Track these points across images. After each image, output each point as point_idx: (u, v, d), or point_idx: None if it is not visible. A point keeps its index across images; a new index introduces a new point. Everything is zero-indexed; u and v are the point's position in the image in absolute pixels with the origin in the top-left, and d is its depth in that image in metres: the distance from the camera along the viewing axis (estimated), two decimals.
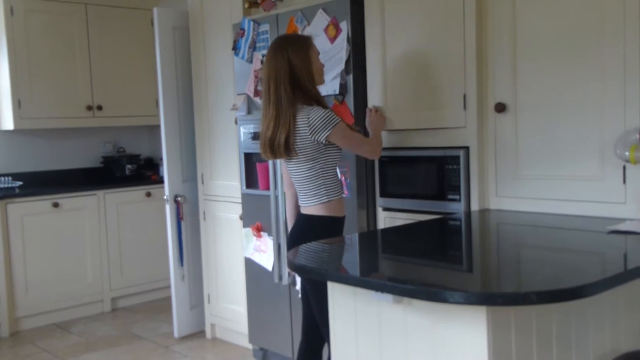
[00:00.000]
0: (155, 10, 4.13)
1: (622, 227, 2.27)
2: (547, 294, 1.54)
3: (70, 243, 4.91)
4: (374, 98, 3.11)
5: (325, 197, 2.64)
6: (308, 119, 2.55)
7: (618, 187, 2.43)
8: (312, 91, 2.61)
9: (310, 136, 2.56)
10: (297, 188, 2.73)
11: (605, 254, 2.08)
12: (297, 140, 2.57)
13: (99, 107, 5.24)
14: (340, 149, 2.69)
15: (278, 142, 2.57)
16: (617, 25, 2.37)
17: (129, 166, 5.48)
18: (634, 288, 2.16)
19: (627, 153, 2.31)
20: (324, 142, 2.58)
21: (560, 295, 1.55)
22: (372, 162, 3.17)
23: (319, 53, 2.70)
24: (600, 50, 2.41)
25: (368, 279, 1.84)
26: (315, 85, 2.64)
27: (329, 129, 2.55)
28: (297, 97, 2.58)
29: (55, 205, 4.83)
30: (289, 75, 2.57)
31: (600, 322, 2.05)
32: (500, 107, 2.67)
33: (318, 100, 2.63)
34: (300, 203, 2.72)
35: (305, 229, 2.66)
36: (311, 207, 2.66)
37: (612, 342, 2.09)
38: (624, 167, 2.41)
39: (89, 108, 5.20)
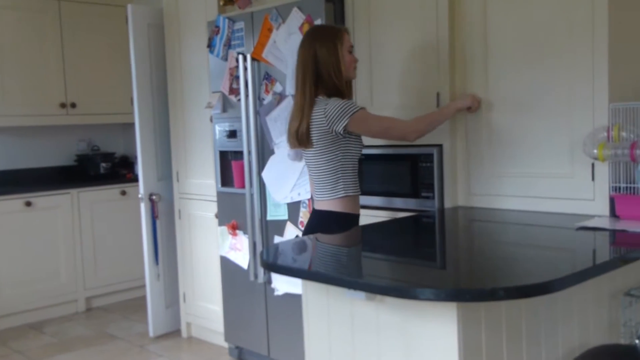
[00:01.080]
0: (129, 7, 4.10)
1: (590, 223, 2.31)
2: (515, 290, 1.56)
3: (43, 242, 4.85)
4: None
5: (342, 192, 2.59)
6: (325, 111, 2.52)
7: (587, 185, 2.47)
8: (336, 84, 2.57)
9: (327, 127, 2.52)
10: (313, 181, 2.68)
11: (574, 250, 2.12)
12: (314, 131, 2.55)
13: (73, 105, 5.19)
14: (361, 142, 2.63)
15: (301, 131, 2.57)
16: (586, 27, 2.41)
17: (103, 164, 5.43)
18: (602, 283, 2.20)
19: (595, 151, 2.35)
20: (342, 132, 2.53)
21: (528, 290, 1.57)
22: None
23: (351, 46, 2.64)
24: (569, 50, 2.45)
25: (340, 276, 1.85)
26: (342, 79, 2.59)
27: (346, 117, 2.49)
28: (319, 90, 2.57)
29: (28, 204, 4.77)
30: (314, 67, 2.56)
31: (569, 317, 2.09)
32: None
33: (341, 93, 2.59)
34: (315, 197, 2.67)
35: (319, 226, 2.61)
36: (326, 201, 2.61)
37: (580, 337, 2.13)
38: (593, 165, 2.45)
39: (63, 106, 5.14)
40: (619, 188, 2.38)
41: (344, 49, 2.60)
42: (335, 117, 2.51)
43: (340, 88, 2.59)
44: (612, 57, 2.40)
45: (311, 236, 2.50)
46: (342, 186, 2.59)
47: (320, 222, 2.63)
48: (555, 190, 2.54)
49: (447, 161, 2.85)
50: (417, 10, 2.86)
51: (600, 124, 2.41)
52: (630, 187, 2.36)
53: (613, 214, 2.41)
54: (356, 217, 2.66)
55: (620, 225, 2.27)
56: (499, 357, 1.82)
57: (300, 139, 2.58)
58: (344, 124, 2.51)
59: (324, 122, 2.53)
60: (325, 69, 2.56)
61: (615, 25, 2.41)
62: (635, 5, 2.55)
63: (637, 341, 2.11)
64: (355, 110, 2.51)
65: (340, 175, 2.59)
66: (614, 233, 2.22)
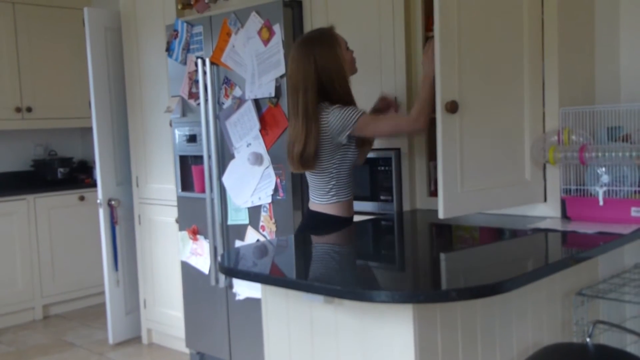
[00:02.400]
0: (86, 10, 4.04)
1: (542, 225, 2.37)
2: (467, 291, 1.60)
3: None
4: None
5: (335, 198, 2.57)
6: (328, 121, 2.45)
7: (539, 187, 2.53)
8: (339, 92, 2.49)
9: (329, 138, 2.47)
10: (309, 182, 2.63)
11: (526, 251, 2.17)
12: (323, 142, 2.48)
13: (29, 109, 5.09)
14: (355, 150, 2.57)
15: (308, 154, 2.46)
16: (536, 33, 2.48)
17: (61, 169, 5.33)
18: (555, 283, 2.26)
19: (546, 154, 2.42)
20: (344, 142, 2.50)
21: (480, 291, 1.61)
22: None
23: (346, 43, 2.55)
24: (521, 55, 2.51)
25: (299, 280, 1.87)
26: (347, 84, 2.51)
27: (349, 127, 2.44)
28: (322, 102, 2.47)
29: None
30: (316, 80, 2.44)
31: (523, 317, 2.14)
32: (454, 107, 2.40)
33: (345, 102, 2.50)
34: (310, 197, 2.65)
35: (311, 226, 2.60)
36: (319, 205, 2.60)
37: (534, 336, 2.19)
38: (544, 167, 2.52)
39: (18, 110, 5.04)
40: (570, 190, 2.46)
41: (342, 49, 2.51)
42: (338, 129, 2.45)
43: (344, 96, 2.51)
44: (562, 62, 2.47)
45: (272, 240, 2.50)
46: (334, 192, 2.57)
47: (312, 222, 2.62)
48: (509, 193, 2.60)
49: (404, 165, 2.89)
50: (374, 14, 2.90)
51: (551, 127, 2.48)
52: (580, 189, 2.43)
53: (564, 215, 2.48)
54: (349, 220, 2.65)
55: (571, 227, 2.33)
56: (454, 357, 1.85)
57: (305, 162, 2.49)
58: (347, 133, 2.47)
59: (327, 133, 2.47)
60: (330, 78, 2.46)
61: (564, 31, 2.48)
62: (583, 12, 2.63)
63: (588, 340, 2.17)
64: (357, 117, 2.45)
65: (334, 183, 2.56)
66: (565, 234, 2.28)
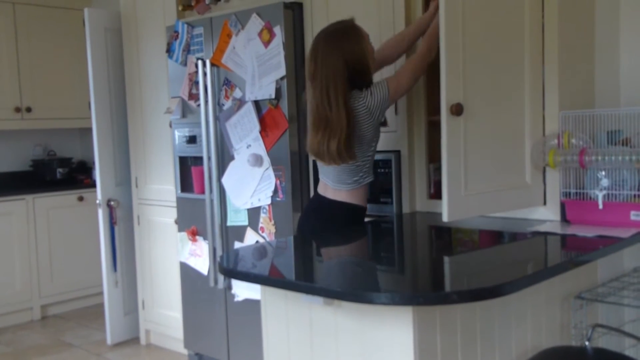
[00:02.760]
0: (86, 10, 4.04)
1: (542, 228, 2.38)
2: (467, 293, 1.60)
3: None
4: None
5: (367, 178, 2.56)
6: (367, 105, 2.43)
7: (539, 190, 2.54)
8: (367, 84, 2.47)
9: (372, 121, 2.45)
10: (331, 170, 2.54)
11: (526, 254, 2.17)
12: (356, 135, 2.45)
13: (28, 109, 5.09)
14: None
15: (348, 147, 2.43)
16: (537, 37, 2.48)
17: (60, 170, 5.33)
18: (554, 286, 2.27)
19: (546, 157, 2.42)
20: (383, 119, 2.52)
21: (480, 294, 1.61)
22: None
23: (368, 36, 2.52)
24: (521, 58, 2.52)
25: (298, 282, 1.87)
26: (371, 75, 2.50)
27: (386, 99, 2.43)
28: (350, 92, 2.44)
29: None
30: (344, 73, 2.41)
31: (522, 320, 2.14)
32: (459, 109, 2.38)
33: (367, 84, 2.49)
34: (330, 184, 2.58)
35: (325, 216, 2.58)
36: (345, 192, 2.54)
37: (533, 339, 2.19)
38: (544, 171, 2.52)
39: (17, 110, 5.04)
40: (569, 193, 2.46)
41: (366, 41, 2.49)
42: (378, 107, 2.44)
43: (369, 83, 2.49)
44: (562, 65, 2.48)
45: (272, 241, 2.50)
46: (365, 173, 2.55)
47: (328, 211, 2.58)
48: (509, 196, 2.60)
49: (404, 167, 2.89)
50: (375, 17, 2.91)
51: (551, 131, 2.49)
52: (579, 193, 2.44)
53: (564, 218, 2.49)
54: (364, 210, 2.63)
55: (571, 230, 2.34)
56: (454, 358, 1.86)
57: (345, 155, 2.43)
58: (386, 106, 2.47)
59: (369, 117, 2.44)
60: (357, 71, 2.44)
61: (565, 34, 2.49)
62: (583, 16, 2.64)
63: (587, 343, 2.17)
64: (386, 86, 2.44)
65: (368, 166, 2.55)
66: (564, 237, 2.28)
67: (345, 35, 2.46)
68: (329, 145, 2.42)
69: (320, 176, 2.65)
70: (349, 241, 2.50)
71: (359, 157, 2.51)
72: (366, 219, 2.87)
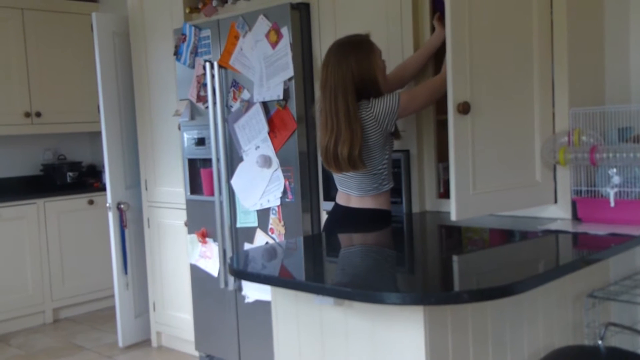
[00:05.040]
0: (94, 15, 4.06)
1: (553, 226, 2.36)
2: (478, 293, 1.59)
3: (9, 253, 4.76)
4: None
5: (387, 185, 2.61)
6: (374, 115, 2.47)
7: (549, 188, 2.52)
8: (374, 95, 2.51)
9: (381, 131, 2.49)
10: (349, 179, 2.59)
11: (537, 252, 2.16)
12: (366, 144, 2.49)
13: (38, 114, 5.12)
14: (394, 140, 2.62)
15: (356, 156, 2.46)
16: (546, 33, 2.47)
17: (70, 174, 5.36)
18: (566, 285, 2.25)
19: (557, 155, 2.41)
20: (394, 129, 2.55)
21: (491, 293, 1.60)
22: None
23: (380, 52, 2.58)
24: (531, 56, 2.50)
25: (309, 282, 1.87)
26: (379, 90, 2.53)
27: (395, 111, 2.47)
28: (359, 102, 2.49)
29: None
30: (353, 83, 2.46)
31: (534, 319, 2.13)
32: (466, 108, 2.36)
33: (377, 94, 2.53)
34: (351, 193, 2.61)
35: (350, 224, 2.61)
36: (368, 199, 2.58)
37: (545, 338, 2.18)
38: (555, 169, 2.50)
39: (27, 115, 5.07)
40: (580, 191, 2.44)
41: (377, 57, 2.54)
42: (385, 118, 2.48)
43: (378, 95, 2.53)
44: (572, 62, 2.46)
45: (282, 242, 2.50)
46: (385, 179, 2.59)
47: (354, 219, 2.61)
48: (520, 194, 2.58)
49: (413, 166, 2.88)
50: (382, 17, 2.90)
51: (561, 128, 2.47)
52: (591, 191, 2.42)
53: (575, 216, 2.47)
54: (389, 213, 2.67)
55: (582, 228, 2.32)
56: (465, 359, 1.84)
57: (355, 164, 2.47)
58: (395, 118, 2.50)
59: (376, 127, 2.49)
60: (364, 85, 2.48)
61: (574, 31, 2.47)
62: (592, 11, 2.62)
63: (600, 342, 2.16)
64: (397, 99, 2.47)
65: (386, 174, 2.59)
66: (576, 235, 2.26)
67: (355, 48, 2.51)
68: (341, 153, 2.47)
69: (340, 187, 2.68)
70: (359, 242, 2.50)
71: (374, 164, 2.55)
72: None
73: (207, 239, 3.65)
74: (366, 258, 2.24)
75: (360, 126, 2.46)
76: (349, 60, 2.48)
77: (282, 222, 3.23)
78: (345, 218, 2.67)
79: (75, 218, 5.11)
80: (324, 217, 3.19)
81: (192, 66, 3.59)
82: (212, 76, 3.43)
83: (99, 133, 4.20)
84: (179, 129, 3.78)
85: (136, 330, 4.31)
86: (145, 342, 4.32)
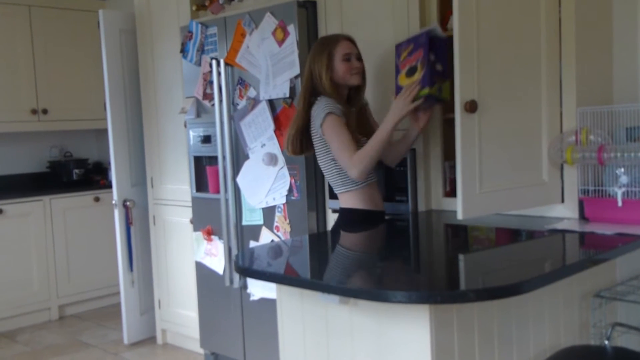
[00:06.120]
0: (101, 12, 4.06)
1: (560, 226, 2.35)
2: (485, 292, 1.58)
3: (15, 250, 4.77)
4: None
5: (343, 188, 2.64)
6: (313, 110, 2.60)
7: (556, 187, 2.51)
8: (327, 93, 2.60)
9: (316, 127, 2.60)
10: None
11: (544, 252, 2.15)
12: (312, 136, 2.65)
13: (44, 111, 5.13)
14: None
15: (290, 137, 2.67)
16: (554, 32, 2.45)
17: (76, 171, 5.37)
18: (572, 285, 2.24)
19: (564, 154, 2.40)
20: (322, 133, 2.58)
21: (497, 292, 1.59)
22: None
23: (346, 54, 2.61)
24: (539, 55, 2.49)
25: (314, 280, 1.86)
26: (330, 88, 2.59)
27: (321, 117, 2.54)
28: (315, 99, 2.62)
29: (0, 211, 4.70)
30: (309, 79, 2.63)
31: (540, 318, 2.12)
32: (473, 106, 2.35)
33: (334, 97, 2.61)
34: (335, 191, 2.73)
35: (337, 224, 2.70)
36: (340, 198, 2.68)
37: (551, 338, 2.17)
38: (562, 168, 2.49)
39: (34, 112, 5.08)
40: (588, 191, 2.43)
41: (336, 58, 2.60)
42: (315, 116, 2.58)
43: (332, 94, 2.59)
44: (580, 61, 2.45)
45: (287, 240, 2.50)
46: (343, 181, 2.64)
47: (339, 220, 2.71)
48: (526, 193, 2.58)
49: (420, 165, 2.87)
50: (389, 13, 2.89)
51: (569, 127, 2.46)
52: (598, 190, 2.41)
53: (582, 216, 2.46)
54: (374, 213, 2.66)
55: (589, 228, 2.31)
56: (471, 357, 1.84)
57: (291, 145, 2.68)
58: (320, 123, 2.55)
59: (313, 121, 2.61)
60: (318, 80, 2.61)
61: (582, 30, 2.46)
62: (600, 11, 2.60)
63: (606, 342, 2.15)
64: (324, 117, 2.53)
65: (336, 172, 2.63)
66: (582, 235, 2.25)
67: (315, 45, 2.68)
68: (288, 134, 2.70)
69: None
70: (365, 239, 2.49)
71: (326, 161, 2.64)
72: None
73: (212, 237, 3.65)
74: (372, 256, 2.23)
75: (306, 112, 2.62)
76: (310, 56, 2.66)
77: (288, 220, 3.23)
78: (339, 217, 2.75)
79: (81, 215, 5.12)
80: (330, 215, 3.19)
81: (199, 64, 3.59)
82: (219, 74, 3.43)
83: (105, 130, 4.21)
84: (185, 126, 3.78)
85: (141, 327, 4.32)
86: (150, 340, 4.33)
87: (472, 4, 2.23)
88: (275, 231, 3.30)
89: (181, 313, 4.07)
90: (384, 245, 2.45)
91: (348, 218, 2.65)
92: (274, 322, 3.11)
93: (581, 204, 2.46)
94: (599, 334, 2.31)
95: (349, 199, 2.64)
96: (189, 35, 3.61)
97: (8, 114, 4.95)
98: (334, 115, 2.53)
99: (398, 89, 2.58)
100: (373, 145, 2.50)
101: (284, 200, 3.23)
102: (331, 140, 2.54)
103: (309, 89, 2.64)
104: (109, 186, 4.68)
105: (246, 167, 3.40)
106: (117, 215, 4.18)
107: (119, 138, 4.16)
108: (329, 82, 2.60)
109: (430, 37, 2.49)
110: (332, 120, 2.52)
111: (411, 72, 2.52)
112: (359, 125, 2.67)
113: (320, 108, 2.55)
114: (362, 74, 2.68)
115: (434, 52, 2.49)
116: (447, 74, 2.50)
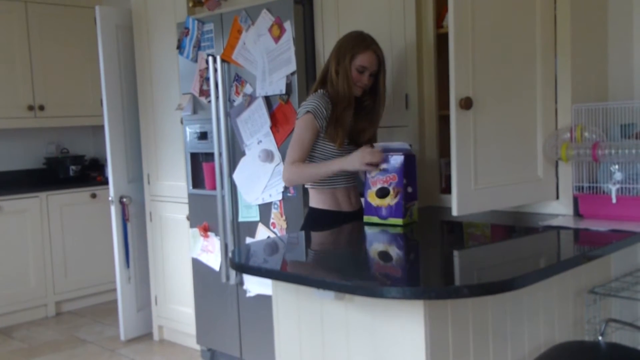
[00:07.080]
0: (97, 8, 4.06)
1: (554, 222, 2.36)
2: (479, 287, 1.59)
3: (11, 246, 4.77)
4: None
5: (312, 184, 2.66)
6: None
7: (551, 184, 2.52)
8: (330, 92, 2.58)
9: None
10: None
11: (538, 248, 2.16)
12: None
13: (41, 107, 5.12)
14: (333, 144, 2.57)
15: None
16: (549, 30, 2.46)
17: (73, 167, 5.37)
18: (567, 281, 2.25)
19: (559, 151, 2.40)
20: (323, 132, 2.58)
21: (491, 288, 1.60)
22: None
23: (362, 66, 2.55)
24: (535, 51, 2.49)
25: (309, 276, 1.87)
26: (336, 89, 2.55)
27: (302, 111, 2.56)
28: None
29: None
30: (326, 69, 2.62)
31: (535, 314, 2.13)
32: (468, 103, 2.34)
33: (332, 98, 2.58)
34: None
35: (305, 224, 2.71)
36: (311, 195, 2.69)
37: (546, 333, 2.18)
38: (557, 165, 2.50)
39: (30, 108, 5.07)
40: (582, 188, 2.44)
41: (353, 65, 2.55)
42: (300, 109, 2.61)
43: (331, 96, 2.57)
44: (575, 58, 2.46)
45: (283, 237, 2.51)
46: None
47: (306, 218, 2.74)
48: (521, 190, 2.58)
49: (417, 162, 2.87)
50: (385, 12, 2.89)
51: (563, 124, 2.47)
52: (593, 187, 2.42)
53: (577, 213, 2.47)
54: (336, 214, 2.64)
55: (584, 224, 2.32)
56: (465, 353, 1.85)
57: None
58: (298, 116, 2.59)
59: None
60: (329, 75, 2.58)
61: (577, 27, 2.46)
62: (595, 8, 2.61)
63: (600, 338, 2.16)
64: (305, 111, 2.55)
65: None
66: (577, 231, 2.27)
67: (344, 43, 2.60)
68: None
69: None
70: (361, 236, 2.50)
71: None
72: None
73: (209, 233, 3.65)
74: (367, 252, 2.24)
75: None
76: (335, 49, 2.61)
77: (284, 217, 3.24)
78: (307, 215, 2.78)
79: (78, 211, 5.12)
80: None
81: (195, 60, 3.59)
82: (215, 70, 3.43)
83: (102, 127, 4.21)
84: (182, 122, 3.78)
85: (138, 323, 4.33)
86: (147, 336, 4.33)
87: (467, 1, 2.23)
88: (271, 228, 3.30)
89: (178, 309, 4.07)
90: (380, 241, 2.45)
91: (311, 216, 2.69)
92: (270, 319, 3.11)
93: (576, 201, 2.47)
94: (593, 329, 2.33)
95: (322, 198, 2.65)
96: (186, 31, 3.60)
97: (4, 110, 4.94)
98: (310, 115, 2.53)
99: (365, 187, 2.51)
100: (311, 173, 2.55)
101: (280, 197, 3.23)
102: (294, 135, 2.59)
103: (322, 75, 2.64)
104: (106, 182, 4.68)
105: (242, 163, 3.40)
106: (114, 212, 4.19)
107: (116, 134, 4.16)
108: (338, 83, 2.56)
109: (405, 156, 2.41)
110: (305, 120, 2.54)
111: (383, 193, 2.44)
112: (353, 132, 2.64)
113: (306, 103, 2.57)
114: (373, 90, 2.62)
115: (406, 175, 2.42)
116: (417, 195, 2.48)
